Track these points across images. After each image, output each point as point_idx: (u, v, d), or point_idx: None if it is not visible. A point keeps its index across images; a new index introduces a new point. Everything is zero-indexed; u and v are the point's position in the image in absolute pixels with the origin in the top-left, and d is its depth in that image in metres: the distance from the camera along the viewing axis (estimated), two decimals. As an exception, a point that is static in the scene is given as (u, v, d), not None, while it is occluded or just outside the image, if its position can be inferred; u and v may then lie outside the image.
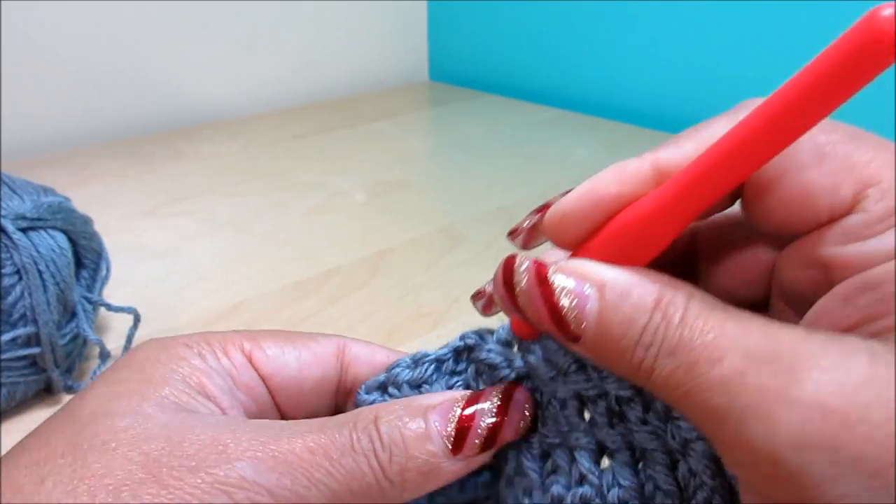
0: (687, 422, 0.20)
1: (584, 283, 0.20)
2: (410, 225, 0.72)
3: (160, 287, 0.61)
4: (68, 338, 0.47)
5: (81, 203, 0.53)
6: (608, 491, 0.21)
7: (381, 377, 0.25)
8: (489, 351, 0.24)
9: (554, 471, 0.22)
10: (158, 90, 1.03)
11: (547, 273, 0.20)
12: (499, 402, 0.23)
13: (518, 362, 0.24)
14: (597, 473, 0.21)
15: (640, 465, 0.21)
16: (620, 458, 0.21)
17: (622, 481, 0.21)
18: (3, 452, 0.21)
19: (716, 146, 0.19)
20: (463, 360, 0.25)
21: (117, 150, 0.93)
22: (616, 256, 0.21)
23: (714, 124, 0.22)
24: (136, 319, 0.50)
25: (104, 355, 0.49)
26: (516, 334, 0.24)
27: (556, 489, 0.22)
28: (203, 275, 0.63)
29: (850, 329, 0.19)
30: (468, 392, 0.24)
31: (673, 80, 1.03)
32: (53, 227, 0.46)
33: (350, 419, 0.22)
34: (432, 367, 0.25)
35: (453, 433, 0.22)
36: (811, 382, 0.16)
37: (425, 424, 0.22)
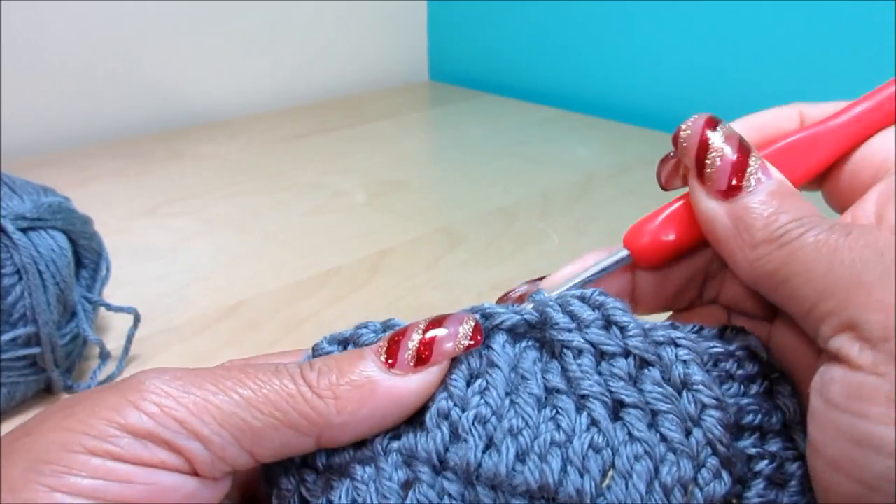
0: (707, 389, 0.21)
1: (769, 166, 0.23)
2: (410, 225, 0.72)
3: (160, 287, 0.61)
4: (68, 338, 0.47)
5: (81, 203, 0.53)
6: (620, 444, 0.21)
7: (347, 332, 0.25)
8: (493, 307, 0.24)
9: (556, 413, 0.22)
10: (158, 90, 1.03)
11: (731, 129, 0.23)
12: (432, 319, 0.23)
13: (527, 311, 0.23)
14: (609, 423, 0.21)
15: (654, 425, 0.21)
16: (635, 413, 0.21)
17: (635, 433, 0.21)
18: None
19: (866, 97, 0.24)
20: None
21: (117, 150, 0.93)
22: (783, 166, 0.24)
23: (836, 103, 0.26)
24: (136, 319, 0.50)
25: (104, 355, 0.49)
26: (631, 250, 0.25)
27: (561, 429, 0.21)
28: (203, 275, 0.63)
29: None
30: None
31: (673, 80, 1.03)
32: (53, 227, 0.46)
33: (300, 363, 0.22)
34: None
35: (385, 346, 0.22)
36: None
37: (364, 358, 0.22)
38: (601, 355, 0.22)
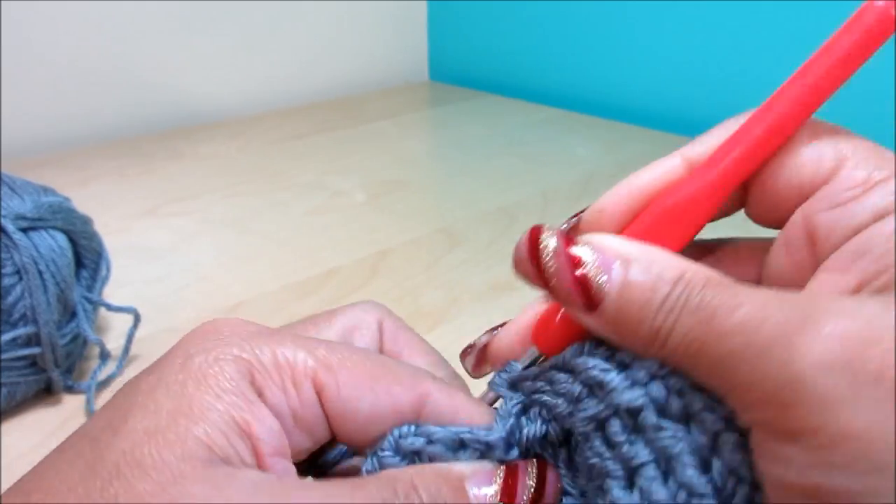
0: (711, 414, 0.20)
1: (610, 255, 0.20)
2: (410, 225, 0.72)
3: (160, 287, 0.61)
4: (68, 338, 0.47)
5: (81, 203, 0.53)
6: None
7: (420, 441, 0.23)
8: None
9: None
10: (158, 90, 1.03)
11: (574, 244, 0.21)
12: (536, 475, 0.22)
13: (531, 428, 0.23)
14: (627, 499, 0.20)
15: (670, 476, 0.20)
16: (647, 474, 0.20)
17: (654, 497, 0.20)
18: (3, 452, 0.21)
19: (744, 128, 0.22)
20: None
21: (117, 150, 0.93)
22: (649, 240, 0.21)
23: (731, 122, 0.23)
24: (136, 319, 0.50)
25: (104, 355, 0.49)
26: (539, 347, 0.24)
27: None
28: (203, 275, 0.63)
29: (852, 294, 0.20)
30: (499, 464, 0.23)
31: (673, 80, 1.03)
32: (53, 227, 0.46)
33: (387, 478, 0.21)
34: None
35: (497, 498, 0.21)
36: (829, 316, 0.17)
37: (466, 491, 0.21)
38: (599, 426, 0.21)
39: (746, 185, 0.23)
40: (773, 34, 0.93)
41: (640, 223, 0.23)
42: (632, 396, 0.21)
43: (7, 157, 0.88)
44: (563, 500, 0.23)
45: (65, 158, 0.90)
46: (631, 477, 0.20)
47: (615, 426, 0.21)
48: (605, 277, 0.20)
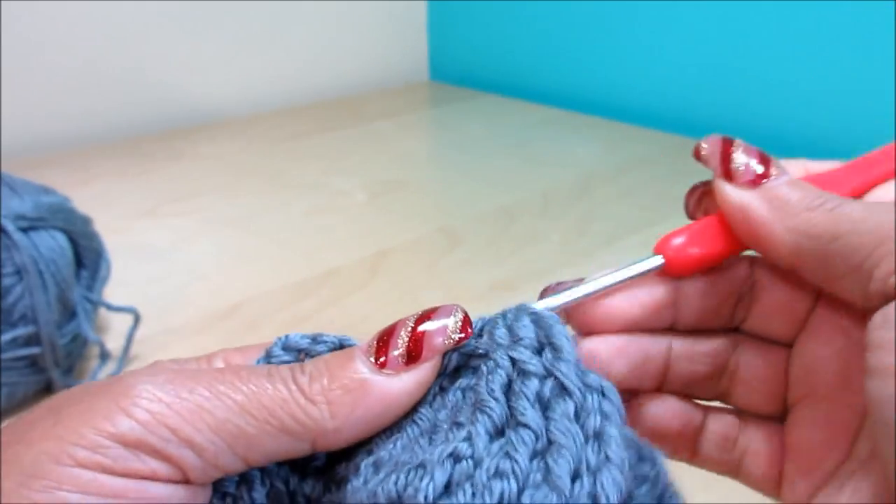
0: (618, 448, 0.20)
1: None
2: (410, 225, 0.72)
3: (160, 287, 0.61)
4: (68, 338, 0.47)
5: (81, 203, 0.53)
6: (488, 457, 0.19)
7: (302, 342, 0.23)
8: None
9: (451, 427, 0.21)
10: (158, 90, 1.03)
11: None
12: (420, 314, 0.22)
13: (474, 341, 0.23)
14: (485, 438, 0.20)
15: (542, 453, 0.20)
16: (523, 434, 0.20)
17: (514, 454, 0.19)
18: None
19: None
20: None
21: (117, 150, 0.93)
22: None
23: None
24: (136, 319, 0.50)
25: (104, 355, 0.49)
26: (670, 266, 0.25)
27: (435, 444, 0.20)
28: (203, 275, 0.63)
29: None
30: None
31: (673, 80, 1.03)
32: (53, 227, 0.46)
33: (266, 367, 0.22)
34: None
35: (374, 345, 0.21)
36: None
37: (349, 352, 0.22)
38: (520, 374, 0.21)
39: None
40: (774, 34, 0.93)
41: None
42: (571, 375, 0.21)
43: (7, 157, 0.88)
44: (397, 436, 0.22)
45: (65, 158, 0.90)
46: (503, 429, 0.20)
47: (531, 384, 0.21)
48: (783, 170, 0.23)
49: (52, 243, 0.46)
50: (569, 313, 0.25)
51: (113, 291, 0.55)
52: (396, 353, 0.21)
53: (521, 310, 0.23)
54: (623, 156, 0.90)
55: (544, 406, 0.21)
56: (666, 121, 1.02)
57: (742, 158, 0.24)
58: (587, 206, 0.75)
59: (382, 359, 0.21)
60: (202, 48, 1.06)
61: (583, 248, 0.68)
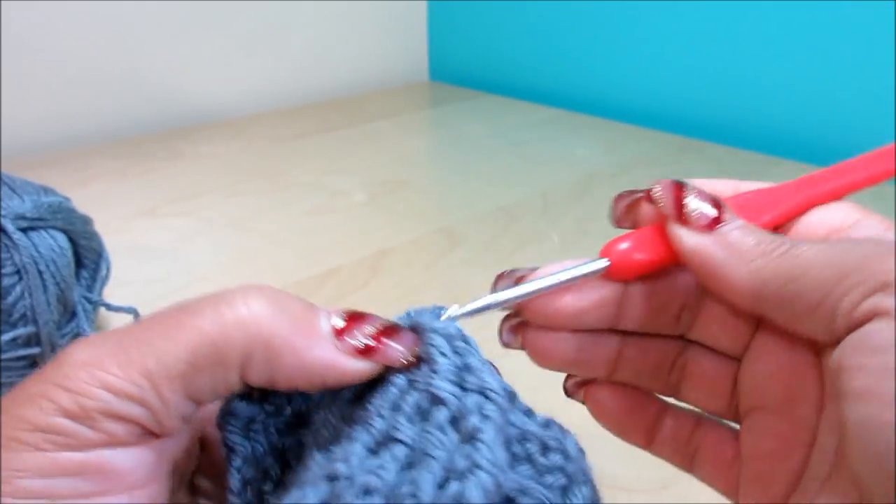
0: (490, 451, 0.20)
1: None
2: (410, 225, 0.72)
3: (160, 287, 0.61)
4: (68, 338, 0.47)
5: (81, 203, 0.53)
6: (361, 474, 0.19)
7: None
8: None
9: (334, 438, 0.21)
10: (158, 90, 1.04)
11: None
12: (388, 325, 0.23)
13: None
14: (362, 455, 0.20)
15: (410, 469, 0.20)
16: (396, 451, 0.20)
17: (382, 473, 0.19)
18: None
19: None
20: None
21: (117, 150, 0.93)
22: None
23: None
24: (136, 319, 0.50)
25: (104, 355, 0.49)
26: (614, 269, 0.25)
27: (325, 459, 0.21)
28: (203, 275, 0.63)
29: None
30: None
31: (673, 80, 1.03)
32: (53, 227, 0.46)
33: None
34: None
35: (343, 318, 0.22)
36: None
37: (314, 305, 0.22)
38: (402, 389, 0.22)
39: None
40: (773, 34, 0.93)
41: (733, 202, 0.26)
42: (442, 383, 0.21)
43: (7, 157, 0.88)
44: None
45: (65, 158, 0.90)
46: (381, 445, 0.20)
47: (413, 397, 0.21)
48: (734, 215, 0.24)
49: (52, 243, 0.46)
50: (521, 305, 0.25)
51: (113, 291, 0.55)
52: (355, 341, 0.22)
53: (409, 317, 0.24)
54: (623, 156, 0.90)
55: (424, 418, 0.21)
56: (666, 121, 1.02)
57: (695, 203, 0.24)
58: (587, 206, 0.75)
59: (341, 336, 0.22)
60: (202, 48, 1.06)
61: (583, 248, 0.68)
